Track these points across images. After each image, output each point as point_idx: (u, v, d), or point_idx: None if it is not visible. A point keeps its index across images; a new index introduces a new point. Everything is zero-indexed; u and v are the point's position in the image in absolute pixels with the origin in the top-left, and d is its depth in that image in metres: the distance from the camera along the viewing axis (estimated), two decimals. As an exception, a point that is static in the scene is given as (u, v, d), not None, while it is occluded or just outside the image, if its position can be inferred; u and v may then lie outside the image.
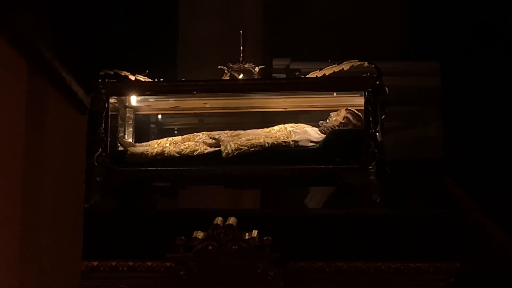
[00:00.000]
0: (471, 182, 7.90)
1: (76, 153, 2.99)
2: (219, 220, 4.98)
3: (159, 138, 5.93)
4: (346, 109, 5.78)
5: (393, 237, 5.06)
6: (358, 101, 5.63)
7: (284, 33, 8.69)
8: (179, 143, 5.73)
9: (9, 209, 2.36)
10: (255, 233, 4.94)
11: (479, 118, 8.08)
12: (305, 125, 5.80)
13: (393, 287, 5.04)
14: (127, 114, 5.99)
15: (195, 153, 5.61)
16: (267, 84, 5.82)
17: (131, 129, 6.02)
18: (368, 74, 5.46)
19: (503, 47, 8.24)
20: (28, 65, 2.47)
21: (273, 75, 7.92)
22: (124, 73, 5.73)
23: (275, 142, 5.58)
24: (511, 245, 7.78)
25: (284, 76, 7.78)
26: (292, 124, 5.78)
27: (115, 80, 5.68)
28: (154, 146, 5.75)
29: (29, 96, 2.50)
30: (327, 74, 5.51)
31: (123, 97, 5.91)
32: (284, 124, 5.79)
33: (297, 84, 5.70)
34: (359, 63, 5.50)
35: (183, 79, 6.30)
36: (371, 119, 5.38)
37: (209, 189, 6.79)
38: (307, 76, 5.62)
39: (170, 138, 5.82)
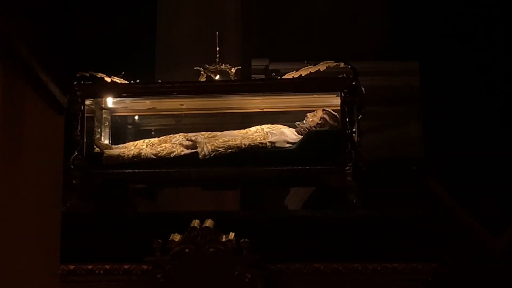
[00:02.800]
0: (451, 180, 7.92)
1: (54, 154, 2.97)
2: (196, 222, 4.96)
3: (136, 140, 5.89)
4: (323, 110, 5.76)
5: (370, 238, 5.06)
6: (335, 101, 5.61)
7: (263, 33, 8.68)
8: (155, 145, 5.71)
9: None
10: (232, 235, 4.93)
11: (458, 117, 8.10)
12: (282, 126, 5.79)
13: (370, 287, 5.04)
14: (104, 116, 5.96)
15: (172, 155, 5.59)
16: (244, 86, 5.80)
17: (108, 130, 5.98)
18: (345, 75, 5.45)
19: (483, 47, 8.26)
20: (4, 65, 2.45)
21: (252, 75, 7.91)
22: (100, 75, 5.69)
23: (252, 144, 5.57)
24: (492, 241, 7.80)
25: (263, 76, 7.77)
26: (269, 125, 5.76)
27: (90, 82, 5.63)
28: (131, 148, 5.72)
29: (6, 96, 2.48)
30: (303, 75, 5.50)
31: (99, 99, 5.86)
32: (261, 125, 5.77)
33: (273, 85, 5.69)
34: (335, 63, 5.49)
35: (159, 81, 6.27)
36: (347, 119, 5.37)
37: (189, 191, 6.76)
38: (283, 77, 5.60)
39: (146, 140, 5.79)
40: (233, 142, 5.56)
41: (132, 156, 5.62)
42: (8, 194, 2.50)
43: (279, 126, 5.79)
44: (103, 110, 5.96)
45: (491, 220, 7.78)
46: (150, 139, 5.81)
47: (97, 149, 5.78)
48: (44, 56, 2.70)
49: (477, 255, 7.70)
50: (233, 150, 5.54)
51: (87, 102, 5.67)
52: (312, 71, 5.50)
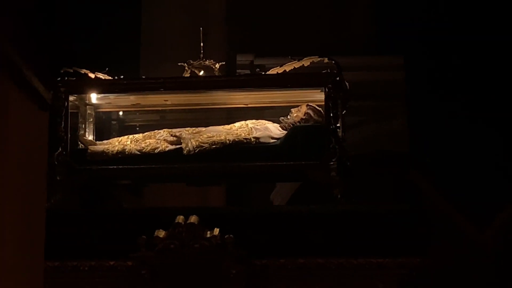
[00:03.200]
0: (436, 175, 7.95)
1: (38, 150, 2.96)
2: (180, 218, 4.95)
3: (120, 136, 5.88)
4: (307, 105, 5.77)
5: (355, 233, 5.07)
6: (319, 96, 5.61)
7: (248, 28, 8.67)
8: (140, 140, 5.69)
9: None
10: (216, 231, 4.93)
11: (443, 111, 8.12)
12: (267, 122, 5.79)
13: (355, 282, 5.04)
14: (88, 112, 5.94)
15: (156, 151, 5.58)
16: (228, 81, 5.80)
17: (92, 126, 5.96)
18: (329, 70, 5.45)
19: (468, 41, 8.28)
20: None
21: (237, 70, 7.91)
22: (83, 71, 5.67)
23: (236, 139, 5.57)
24: (478, 235, 7.84)
25: (248, 71, 7.76)
26: (253, 121, 5.76)
27: (74, 78, 5.61)
28: (115, 144, 5.70)
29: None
30: (287, 70, 5.50)
31: (83, 95, 5.84)
32: (245, 120, 5.77)
33: (257, 81, 5.69)
34: (319, 59, 5.49)
35: (143, 77, 6.25)
36: (331, 115, 5.38)
37: (174, 187, 6.76)
38: (267, 72, 5.60)
39: (131, 136, 5.78)
40: (218, 138, 5.56)
41: (117, 152, 5.61)
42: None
43: (263, 121, 5.79)
44: (87, 106, 5.94)
45: (476, 214, 7.82)
46: (134, 135, 5.81)
47: (81, 145, 5.77)
48: (28, 52, 2.70)
49: (462, 249, 7.74)
50: (217, 146, 5.54)
51: (71, 98, 5.64)
52: (296, 67, 5.51)
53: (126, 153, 5.60)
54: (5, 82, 2.58)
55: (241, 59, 8.38)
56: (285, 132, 5.71)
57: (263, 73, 5.66)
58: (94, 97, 5.90)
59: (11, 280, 2.65)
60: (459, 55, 8.28)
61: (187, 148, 5.52)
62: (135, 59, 8.07)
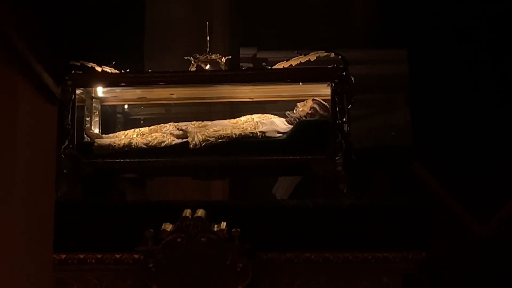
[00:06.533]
0: (439, 168, 7.97)
1: (47, 144, 2.98)
2: (187, 212, 4.97)
3: (126, 129, 5.90)
4: (313, 100, 5.79)
5: (360, 227, 5.09)
6: (325, 91, 5.63)
7: (251, 22, 8.68)
8: (146, 134, 5.71)
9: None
10: (223, 225, 4.95)
11: (446, 104, 8.15)
12: (272, 116, 5.81)
13: (360, 277, 5.07)
14: (94, 105, 5.96)
15: (163, 145, 5.60)
16: (234, 76, 5.79)
17: (98, 120, 5.98)
18: (335, 65, 5.46)
19: (471, 35, 8.30)
20: (-2, 55, 2.47)
21: (240, 64, 7.92)
22: (90, 64, 5.69)
23: (243, 133, 5.58)
24: (480, 228, 7.87)
25: (251, 65, 7.77)
26: (259, 115, 5.78)
27: (81, 72, 5.63)
28: (121, 137, 5.72)
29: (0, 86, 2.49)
30: (293, 65, 5.52)
31: (89, 89, 5.86)
32: (251, 114, 5.79)
33: (264, 75, 5.69)
34: (325, 53, 5.51)
35: (149, 70, 6.26)
36: (337, 109, 5.40)
37: (177, 180, 6.77)
38: (274, 66, 5.62)
39: (137, 130, 5.79)
40: (224, 132, 5.58)
41: (123, 145, 5.62)
42: (1, 183, 2.51)
43: (269, 115, 5.81)
44: (94, 100, 5.96)
45: (479, 207, 7.85)
46: (140, 129, 5.82)
47: (87, 139, 5.79)
48: (38, 46, 2.71)
49: (465, 242, 7.77)
50: (223, 140, 5.55)
51: (78, 91, 5.66)
52: (302, 61, 5.52)
53: (133, 146, 5.61)
54: (14, 77, 2.60)
55: (244, 52, 8.39)
56: (291, 126, 5.72)
57: (269, 67, 5.68)
58: (100, 91, 5.92)
59: (21, 272, 2.67)
60: (463, 48, 8.30)
61: (193, 142, 5.53)
62: (139, 52, 8.07)
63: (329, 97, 5.51)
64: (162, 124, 5.81)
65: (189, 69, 5.77)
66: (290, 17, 8.71)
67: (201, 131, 5.59)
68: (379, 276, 5.04)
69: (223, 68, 5.77)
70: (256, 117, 5.76)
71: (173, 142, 5.62)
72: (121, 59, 5.88)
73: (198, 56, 5.79)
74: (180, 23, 8.17)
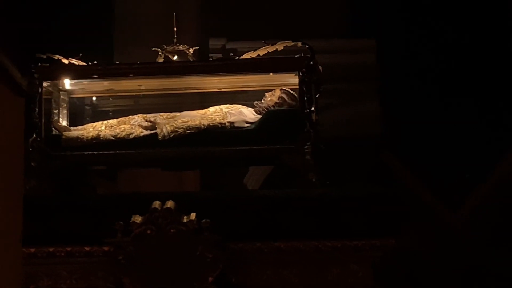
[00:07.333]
0: (409, 157, 8.00)
1: (15, 137, 2.97)
2: (157, 204, 4.96)
3: (94, 121, 5.88)
4: (281, 89, 5.80)
5: (329, 216, 5.10)
6: (293, 80, 5.64)
7: (220, 12, 8.66)
8: (114, 126, 5.70)
9: None
10: (193, 216, 4.94)
11: (415, 94, 8.17)
12: (241, 106, 5.81)
13: (331, 265, 5.09)
14: (61, 98, 5.93)
15: (131, 136, 5.60)
16: (202, 66, 5.79)
17: (66, 112, 5.95)
18: (302, 54, 5.47)
19: (440, 24, 8.33)
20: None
21: (210, 54, 7.90)
22: (57, 56, 5.65)
23: (211, 124, 5.59)
24: (451, 216, 7.91)
25: (220, 55, 7.76)
26: (228, 105, 5.79)
27: (48, 64, 5.59)
28: (90, 130, 5.71)
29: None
30: (261, 55, 5.52)
31: (56, 81, 5.82)
32: (219, 105, 5.79)
33: (231, 66, 5.69)
34: (292, 43, 5.51)
35: (117, 62, 6.23)
36: (305, 99, 5.41)
37: (149, 172, 6.75)
38: (242, 57, 5.62)
39: (105, 122, 5.78)
40: (192, 123, 5.58)
41: (91, 138, 5.61)
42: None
43: (237, 106, 5.82)
44: (61, 92, 5.93)
45: (449, 196, 7.89)
46: (108, 121, 5.81)
47: (55, 132, 5.75)
48: (5, 39, 2.70)
49: (435, 230, 7.81)
50: (192, 131, 5.56)
51: (44, 84, 5.62)
52: (270, 51, 5.53)
53: (101, 138, 5.60)
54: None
55: (213, 43, 8.36)
56: (259, 116, 5.74)
57: (237, 57, 5.67)
58: (67, 83, 5.89)
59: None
60: (431, 37, 8.33)
61: (162, 133, 5.53)
62: (109, 44, 8.03)
63: (297, 87, 5.52)
64: (130, 116, 5.80)
65: (156, 60, 5.76)
66: (259, 7, 8.69)
67: (169, 122, 5.59)
68: (349, 264, 5.07)
69: (190, 59, 5.76)
70: (224, 107, 5.76)
71: (142, 134, 5.62)
72: (92, 51, 5.86)
73: (165, 47, 5.78)
74: (149, 15, 8.13)
